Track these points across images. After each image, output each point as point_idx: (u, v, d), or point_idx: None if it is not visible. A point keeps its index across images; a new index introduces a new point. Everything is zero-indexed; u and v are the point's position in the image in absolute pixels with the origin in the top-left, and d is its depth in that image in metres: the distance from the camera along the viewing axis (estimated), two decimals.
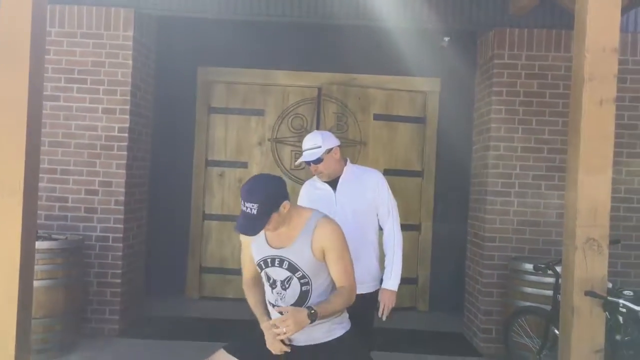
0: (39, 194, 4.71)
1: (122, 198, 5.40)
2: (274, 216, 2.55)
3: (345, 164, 3.52)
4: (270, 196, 2.53)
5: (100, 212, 5.39)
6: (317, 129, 6.68)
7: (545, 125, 5.39)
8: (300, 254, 2.65)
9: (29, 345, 3.88)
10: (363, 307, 3.37)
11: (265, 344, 2.69)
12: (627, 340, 3.68)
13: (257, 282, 2.92)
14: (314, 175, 3.55)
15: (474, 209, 5.82)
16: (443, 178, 6.76)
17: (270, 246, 2.71)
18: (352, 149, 6.72)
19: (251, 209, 2.49)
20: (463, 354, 5.37)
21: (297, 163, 3.67)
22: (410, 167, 6.83)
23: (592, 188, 3.62)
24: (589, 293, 3.55)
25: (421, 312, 6.74)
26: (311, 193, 3.55)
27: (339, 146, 3.49)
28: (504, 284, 5.25)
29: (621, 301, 3.55)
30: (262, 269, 2.76)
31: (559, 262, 4.21)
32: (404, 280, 6.49)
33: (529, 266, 4.78)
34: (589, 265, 3.59)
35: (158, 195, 6.50)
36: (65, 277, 4.74)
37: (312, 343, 2.72)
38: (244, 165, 6.84)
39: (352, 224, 3.39)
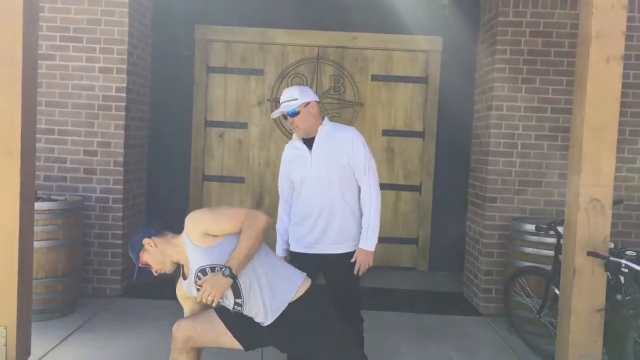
0: (37, 154, 4.69)
1: (121, 159, 5.36)
2: (144, 255, 2.90)
3: (322, 123, 3.47)
4: (132, 242, 2.94)
5: (99, 173, 5.35)
6: (317, 87, 6.65)
7: (549, 85, 5.31)
8: (195, 258, 2.85)
9: (30, 305, 3.90)
10: (345, 267, 3.41)
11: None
12: (628, 300, 3.68)
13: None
14: (294, 130, 3.49)
15: (476, 169, 5.79)
16: (444, 138, 6.70)
17: (188, 278, 2.95)
18: (349, 110, 6.66)
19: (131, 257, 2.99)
20: (463, 313, 5.41)
21: (272, 115, 3.56)
22: (411, 127, 6.77)
23: (597, 147, 3.59)
24: (591, 253, 3.55)
25: (421, 272, 6.78)
26: (290, 153, 3.55)
27: (317, 102, 3.46)
28: (505, 244, 5.25)
29: (623, 261, 3.54)
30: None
31: (560, 223, 4.20)
32: (405, 241, 6.69)
33: (530, 226, 4.76)
34: (591, 225, 3.58)
35: (157, 156, 6.45)
36: (65, 237, 4.73)
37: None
38: (244, 125, 6.78)
39: (327, 184, 3.38)
